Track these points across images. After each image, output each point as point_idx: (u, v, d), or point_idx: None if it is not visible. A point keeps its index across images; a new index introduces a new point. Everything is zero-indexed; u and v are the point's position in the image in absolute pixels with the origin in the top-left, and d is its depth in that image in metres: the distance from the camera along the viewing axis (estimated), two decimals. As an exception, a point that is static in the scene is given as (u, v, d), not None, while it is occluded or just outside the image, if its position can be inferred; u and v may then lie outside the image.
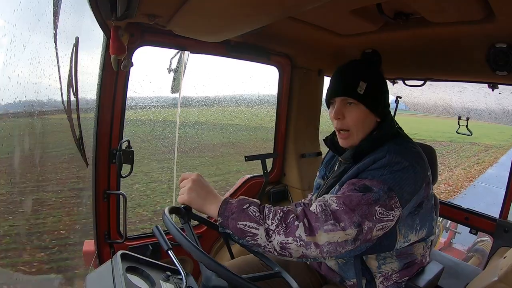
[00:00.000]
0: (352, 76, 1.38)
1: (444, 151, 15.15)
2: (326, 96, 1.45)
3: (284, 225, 1.13)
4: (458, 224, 4.42)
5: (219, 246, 2.19)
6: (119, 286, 1.00)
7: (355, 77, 1.36)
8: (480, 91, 2.27)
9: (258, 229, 1.13)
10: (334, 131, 1.51)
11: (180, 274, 1.05)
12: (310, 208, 1.20)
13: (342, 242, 1.14)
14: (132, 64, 1.43)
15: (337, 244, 1.14)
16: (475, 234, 2.34)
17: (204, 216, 1.39)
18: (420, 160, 1.32)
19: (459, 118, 2.65)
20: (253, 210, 1.16)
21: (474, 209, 2.34)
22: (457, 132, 2.66)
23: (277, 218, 1.15)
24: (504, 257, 1.64)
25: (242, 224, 1.14)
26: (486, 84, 1.93)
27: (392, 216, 1.21)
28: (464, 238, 4.90)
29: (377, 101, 1.39)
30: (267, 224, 1.14)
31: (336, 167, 1.53)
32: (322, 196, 1.26)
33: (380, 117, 1.41)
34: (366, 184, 1.22)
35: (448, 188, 10.12)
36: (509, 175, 2.16)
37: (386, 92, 1.45)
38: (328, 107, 1.47)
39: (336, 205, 1.18)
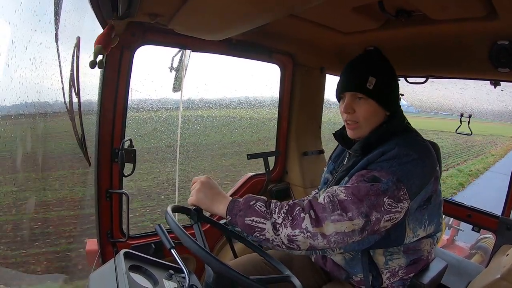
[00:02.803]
0: (361, 71, 1.39)
1: (492, 138, 23.65)
2: (336, 90, 1.48)
3: (290, 218, 1.16)
4: (461, 222, 4.42)
5: (221, 244, 2.19)
6: (122, 285, 1.00)
7: (364, 72, 1.38)
8: (482, 88, 2.26)
9: (265, 223, 1.16)
10: (344, 125, 1.53)
11: (183, 272, 1.06)
12: (318, 200, 1.22)
13: (349, 232, 1.15)
14: (101, 66, 1.37)
15: (344, 234, 1.15)
16: (478, 231, 2.34)
17: (207, 214, 1.40)
18: (428, 153, 1.34)
19: (461, 115, 2.64)
20: (260, 206, 1.19)
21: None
22: (456, 132, 2.65)
23: (283, 211, 1.17)
24: (507, 255, 1.64)
25: (250, 220, 1.16)
26: (488, 81, 1.93)
27: (400, 208, 1.22)
28: (467, 236, 4.90)
29: (386, 96, 1.40)
30: (274, 218, 1.16)
31: (346, 160, 1.54)
32: (331, 187, 1.27)
33: (389, 111, 1.42)
34: (375, 175, 1.24)
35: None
36: (511, 173, 2.15)
37: (395, 86, 1.47)
38: (339, 101, 1.49)
39: (344, 195, 1.19)
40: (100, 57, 1.29)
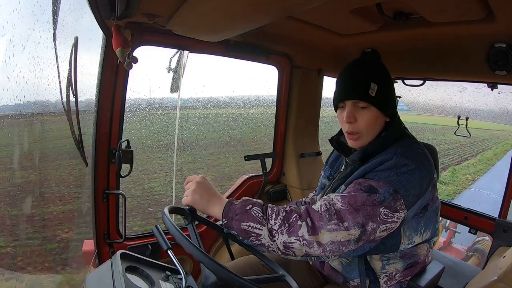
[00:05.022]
0: (362, 77, 1.34)
1: (506, 132, 25.69)
2: (334, 98, 1.42)
3: (287, 224, 1.14)
4: (458, 224, 4.42)
5: (218, 245, 2.19)
6: (118, 286, 1.00)
7: (365, 78, 1.33)
8: (479, 91, 2.27)
9: (262, 229, 1.14)
10: (339, 131, 1.51)
11: (180, 273, 1.06)
12: (314, 207, 1.20)
13: (345, 242, 1.14)
14: (136, 60, 1.40)
15: (340, 243, 1.14)
16: (475, 233, 2.34)
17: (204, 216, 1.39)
18: (426, 162, 1.31)
19: (459, 117, 2.65)
20: (256, 211, 1.17)
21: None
22: (455, 134, 2.65)
23: (280, 218, 1.15)
24: (504, 257, 1.64)
25: (246, 225, 1.15)
26: (486, 84, 1.94)
27: (397, 218, 1.20)
28: (463, 238, 4.91)
29: (387, 102, 1.37)
30: (270, 224, 1.15)
31: (343, 168, 1.52)
32: (328, 195, 1.26)
33: (389, 117, 1.39)
34: (372, 185, 1.22)
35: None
36: (508, 176, 2.16)
37: (393, 90, 1.43)
38: (336, 109, 1.43)
39: (340, 204, 1.18)
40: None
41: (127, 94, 1.70)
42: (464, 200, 9.37)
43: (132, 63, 1.35)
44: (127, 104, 1.70)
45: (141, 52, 1.67)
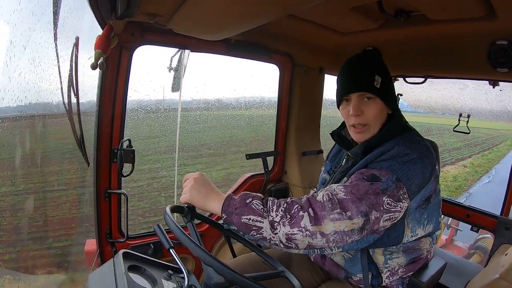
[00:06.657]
0: (366, 70, 1.36)
1: None
2: (338, 93, 1.42)
3: (288, 216, 1.13)
4: (460, 222, 4.42)
5: (220, 244, 2.19)
6: (121, 285, 1.00)
7: (369, 71, 1.35)
8: (481, 88, 2.26)
9: (263, 222, 1.13)
10: (341, 125, 1.51)
11: (182, 272, 1.06)
12: (317, 198, 1.20)
13: (348, 231, 1.14)
14: (104, 67, 1.37)
15: (344, 233, 1.14)
16: (477, 231, 2.34)
17: (206, 214, 1.39)
18: (428, 153, 1.32)
19: (460, 115, 2.64)
20: (257, 204, 1.16)
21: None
22: (454, 130, 2.65)
23: (281, 209, 1.15)
24: (506, 254, 1.64)
25: (247, 219, 1.14)
26: (487, 81, 1.93)
27: (400, 207, 1.21)
28: (465, 235, 4.90)
29: (390, 94, 1.39)
30: (272, 216, 1.14)
31: (344, 161, 1.52)
32: (330, 186, 1.26)
33: (391, 109, 1.41)
34: (374, 174, 1.22)
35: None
36: (510, 173, 2.15)
37: (393, 85, 1.46)
38: (339, 104, 1.44)
39: (343, 194, 1.18)
40: (100, 59, 1.29)
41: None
42: (507, 160, 16.64)
43: (98, 67, 1.32)
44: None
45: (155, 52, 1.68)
